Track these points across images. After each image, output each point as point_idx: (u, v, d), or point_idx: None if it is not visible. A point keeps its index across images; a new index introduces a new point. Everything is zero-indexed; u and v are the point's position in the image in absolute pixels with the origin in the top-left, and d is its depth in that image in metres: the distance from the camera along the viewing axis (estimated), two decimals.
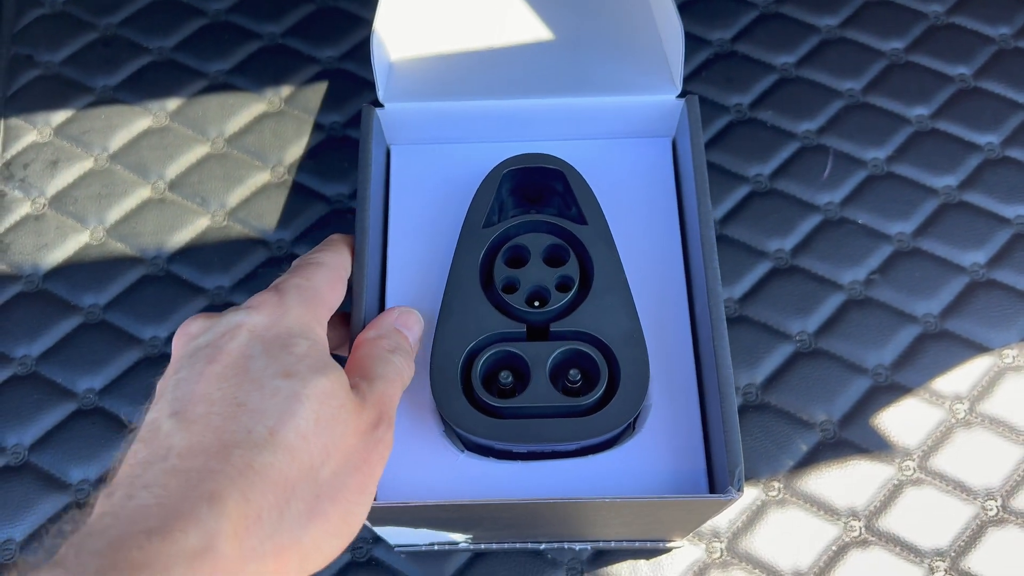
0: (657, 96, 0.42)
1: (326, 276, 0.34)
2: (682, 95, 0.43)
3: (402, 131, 0.43)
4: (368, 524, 0.38)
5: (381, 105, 0.42)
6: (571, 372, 0.35)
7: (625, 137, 0.44)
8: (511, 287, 0.37)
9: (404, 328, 0.35)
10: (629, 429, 0.37)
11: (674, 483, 0.37)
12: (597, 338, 0.36)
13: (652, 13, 0.46)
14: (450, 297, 0.37)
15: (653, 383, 0.38)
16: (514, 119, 0.42)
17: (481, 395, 0.35)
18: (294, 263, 0.35)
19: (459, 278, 0.37)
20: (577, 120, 0.43)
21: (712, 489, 0.37)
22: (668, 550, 0.46)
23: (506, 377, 0.35)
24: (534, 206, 0.41)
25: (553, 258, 0.38)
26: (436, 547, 0.45)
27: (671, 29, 0.42)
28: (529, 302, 0.37)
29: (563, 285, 0.37)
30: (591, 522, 0.40)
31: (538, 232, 0.38)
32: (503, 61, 0.44)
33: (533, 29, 0.45)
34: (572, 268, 0.37)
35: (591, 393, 0.35)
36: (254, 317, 0.30)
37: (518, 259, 0.38)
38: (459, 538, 0.44)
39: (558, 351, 0.35)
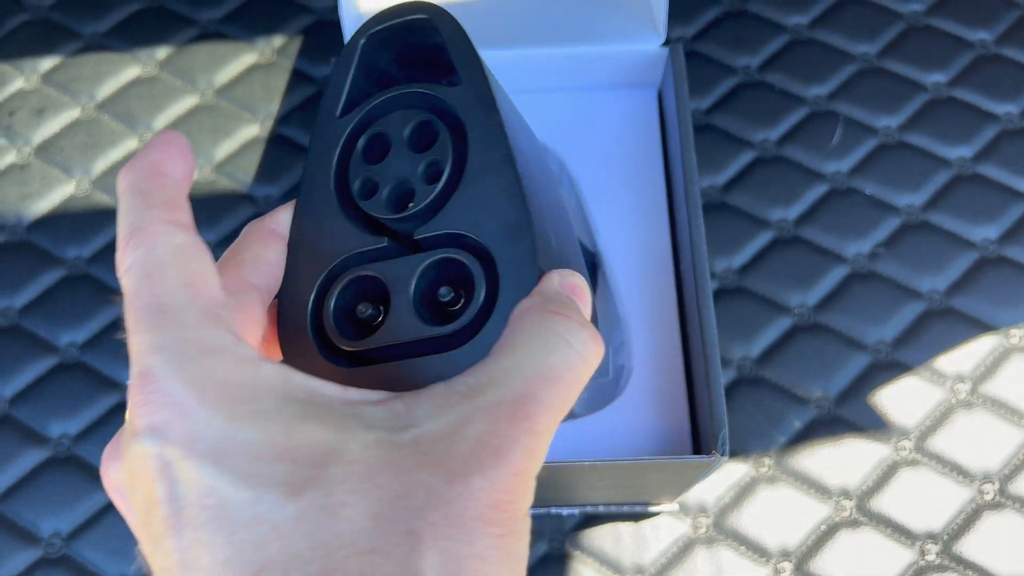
0: (640, 45, 0.40)
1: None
2: (668, 44, 0.41)
3: None
4: None
5: None
6: (441, 291, 0.26)
7: (609, 89, 0.42)
8: (370, 189, 0.28)
9: (574, 295, 0.23)
10: None
11: (659, 446, 0.36)
12: (472, 238, 0.26)
13: None
14: (301, 216, 0.27)
15: (637, 346, 0.37)
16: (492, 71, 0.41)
17: (333, 338, 0.26)
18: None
19: (311, 188, 0.28)
20: (558, 71, 0.41)
21: (697, 452, 0.36)
22: (655, 514, 0.45)
23: (364, 311, 0.26)
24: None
25: (420, 140, 0.28)
26: None
27: None
28: (397, 205, 0.27)
29: (432, 174, 0.27)
30: (578, 486, 0.39)
31: (405, 109, 0.28)
32: (479, 11, 0.42)
33: None
34: (442, 149, 0.27)
35: (463, 316, 0.25)
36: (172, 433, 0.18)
37: (379, 150, 0.28)
38: None
39: (423, 265, 0.26)
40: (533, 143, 0.28)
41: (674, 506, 0.45)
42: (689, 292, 0.36)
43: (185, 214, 0.21)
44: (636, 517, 0.45)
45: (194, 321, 0.19)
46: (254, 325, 0.23)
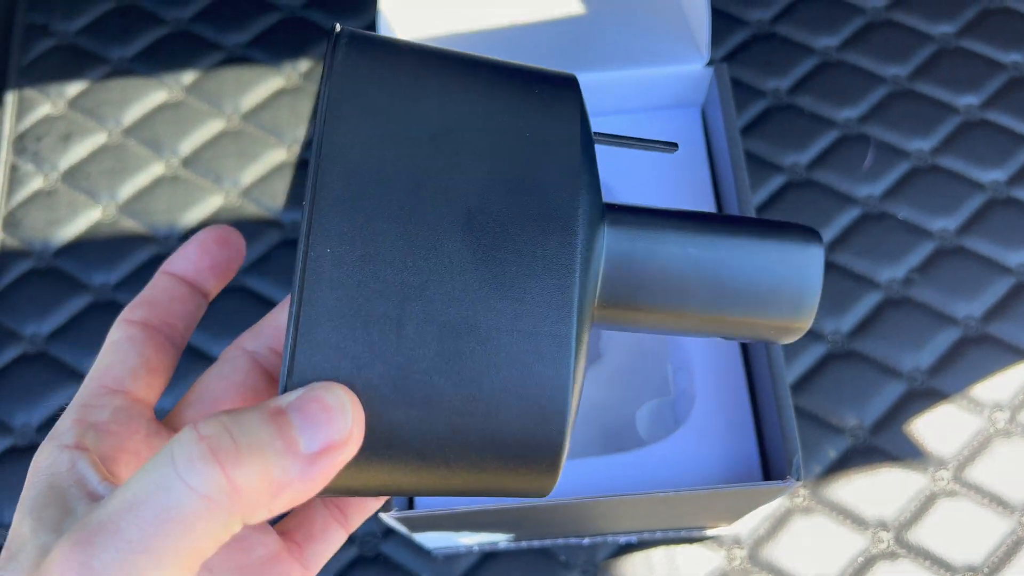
0: (684, 66, 0.40)
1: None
2: (711, 64, 0.41)
3: None
4: (407, 531, 0.37)
5: None
6: None
7: (655, 109, 0.42)
8: None
9: (301, 413, 0.18)
10: None
11: (727, 472, 0.36)
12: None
13: None
14: None
15: (696, 372, 0.36)
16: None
17: None
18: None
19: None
20: (602, 95, 0.41)
21: (767, 476, 0.35)
22: (707, 537, 0.44)
23: None
24: None
25: None
26: (477, 548, 0.44)
27: None
28: None
29: None
30: (640, 515, 0.39)
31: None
32: (518, 39, 0.42)
33: (548, 5, 0.43)
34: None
35: None
36: None
37: None
38: (500, 538, 0.43)
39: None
40: (431, 195, 0.20)
41: (732, 528, 0.44)
42: None
43: (143, 310, 0.23)
44: (675, 544, 0.44)
45: (72, 411, 0.21)
46: (229, 387, 0.24)
